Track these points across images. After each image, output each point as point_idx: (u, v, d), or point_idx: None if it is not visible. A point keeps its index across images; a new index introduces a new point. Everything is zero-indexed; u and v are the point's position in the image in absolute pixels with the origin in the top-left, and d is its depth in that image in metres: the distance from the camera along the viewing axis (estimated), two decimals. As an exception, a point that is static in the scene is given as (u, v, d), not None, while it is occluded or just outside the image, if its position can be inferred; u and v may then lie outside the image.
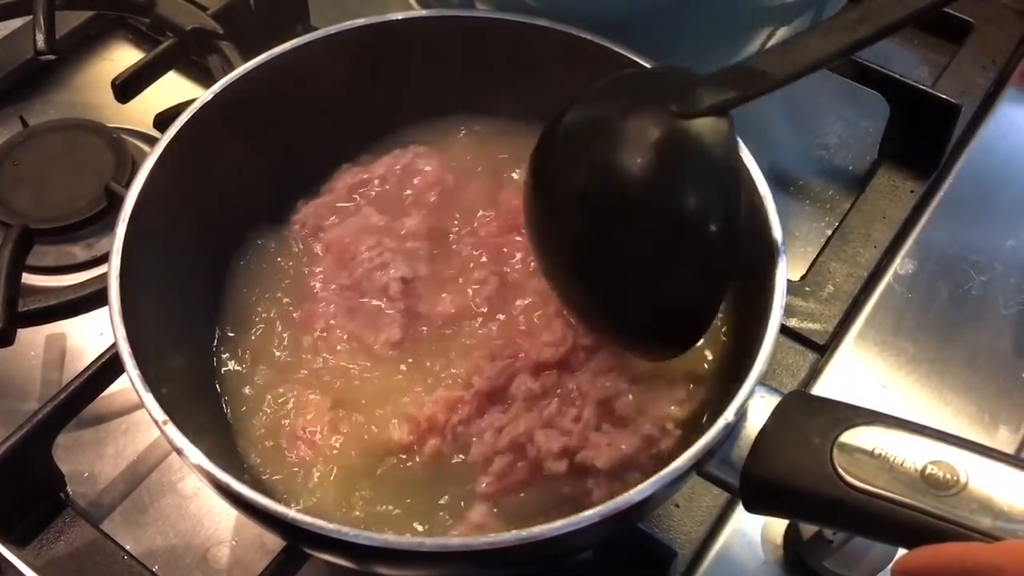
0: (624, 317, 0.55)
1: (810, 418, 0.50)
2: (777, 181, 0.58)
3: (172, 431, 0.48)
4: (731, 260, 0.52)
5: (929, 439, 0.48)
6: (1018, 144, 0.83)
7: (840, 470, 0.48)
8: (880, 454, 0.47)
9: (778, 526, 0.64)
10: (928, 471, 0.46)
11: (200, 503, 0.67)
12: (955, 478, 0.46)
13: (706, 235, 0.51)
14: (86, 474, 0.68)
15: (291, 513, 0.46)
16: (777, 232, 0.55)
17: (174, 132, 0.59)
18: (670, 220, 0.52)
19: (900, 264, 0.76)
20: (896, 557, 0.58)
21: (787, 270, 0.54)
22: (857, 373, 0.72)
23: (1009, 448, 0.67)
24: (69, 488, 0.67)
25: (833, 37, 0.50)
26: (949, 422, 0.69)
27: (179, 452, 0.48)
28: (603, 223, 0.53)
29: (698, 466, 0.49)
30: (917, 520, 0.46)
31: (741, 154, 0.55)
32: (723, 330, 0.60)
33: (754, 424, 0.51)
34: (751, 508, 0.52)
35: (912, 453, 0.47)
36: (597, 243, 0.54)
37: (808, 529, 0.62)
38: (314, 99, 0.66)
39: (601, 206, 0.53)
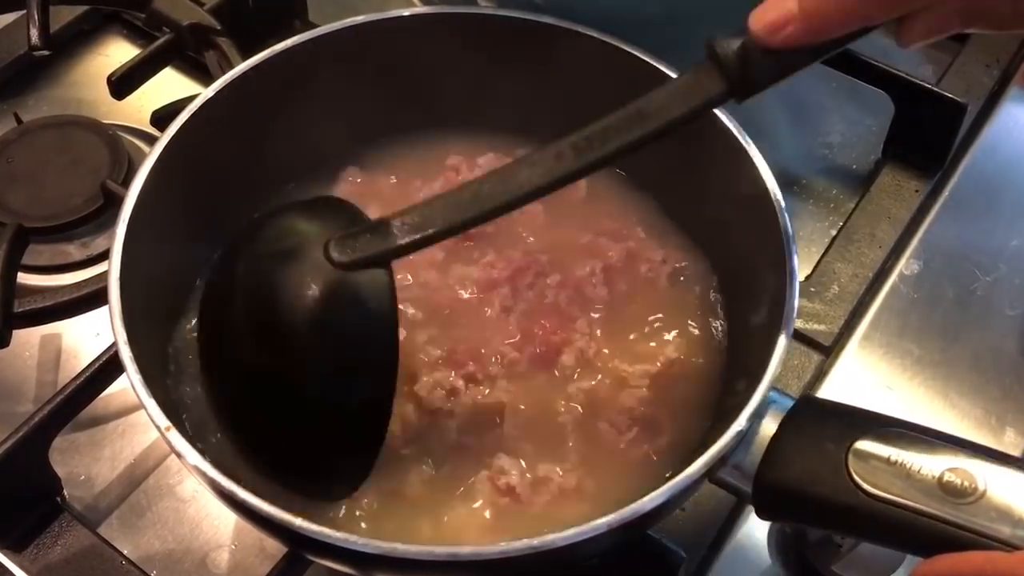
0: (281, 466, 0.54)
1: (824, 424, 0.49)
2: (780, 180, 0.57)
3: (175, 436, 0.47)
4: (384, 414, 0.52)
5: (946, 446, 0.47)
6: (1023, 143, 0.83)
7: (856, 477, 0.47)
8: (896, 461, 0.47)
9: (786, 531, 0.63)
10: (946, 479, 0.46)
11: (199, 507, 0.66)
12: (973, 486, 0.45)
13: (359, 386, 0.51)
14: (83, 477, 0.67)
15: (296, 521, 0.45)
16: (788, 232, 0.55)
17: (175, 130, 0.58)
18: (325, 371, 0.51)
19: (905, 264, 0.76)
20: (906, 563, 0.60)
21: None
22: (862, 375, 0.71)
23: (1016, 451, 0.67)
24: (65, 492, 0.66)
25: (495, 193, 0.50)
26: (955, 425, 0.68)
27: (181, 457, 0.47)
28: (262, 373, 0.52)
29: (710, 473, 0.49)
30: (935, 529, 0.45)
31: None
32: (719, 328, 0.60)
33: (767, 430, 0.50)
34: (764, 515, 0.51)
35: (929, 460, 0.46)
36: (257, 391, 0.53)
37: (816, 533, 0.61)
38: (315, 97, 0.65)
39: (260, 357, 0.52)
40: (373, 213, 0.64)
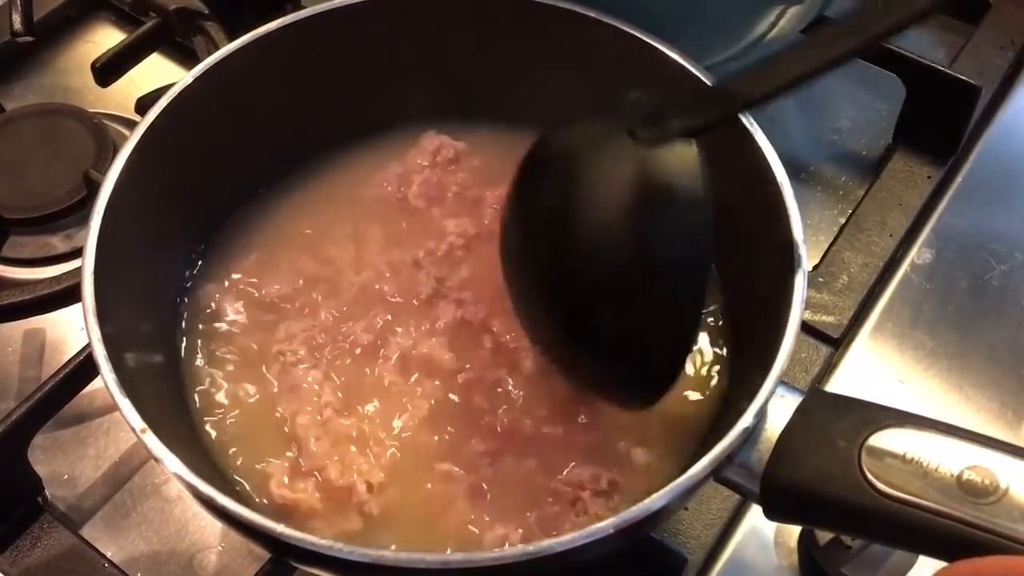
0: (598, 356, 0.52)
1: (835, 419, 0.47)
2: (787, 167, 0.55)
3: (150, 439, 0.45)
4: (700, 292, 0.50)
5: (965, 442, 0.45)
6: (1039, 127, 0.81)
7: (869, 476, 0.45)
8: (913, 459, 0.45)
9: (792, 530, 0.61)
10: (965, 477, 0.44)
11: (185, 507, 0.64)
12: (994, 484, 0.43)
13: (674, 267, 0.49)
14: (65, 477, 0.65)
15: (278, 527, 0.43)
16: (796, 222, 0.53)
17: (153, 117, 0.56)
18: (637, 254, 0.49)
19: (917, 253, 0.74)
20: (919, 564, 0.58)
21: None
22: (873, 368, 0.69)
23: (1033, 446, 0.65)
24: (47, 492, 0.64)
25: (809, 54, 0.48)
26: (970, 418, 0.66)
27: (158, 461, 0.45)
28: (572, 259, 0.51)
29: (716, 472, 0.46)
30: (954, 530, 0.43)
31: (702, 176, 0.51)
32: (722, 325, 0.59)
33: (775, 426, 0.48)
34: (772, 516, 0.49)
35: (947, 458, 0.44)
36: (568, 280, 0.52)
37: (824, 533, 0.59)
38: (303, 81, 0.63)
39: (569, 242, 0.51)
40: (365, 204, 0.63)
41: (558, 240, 0.51)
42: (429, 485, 0.54)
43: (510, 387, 0.57)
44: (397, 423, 0.56)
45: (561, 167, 0.53)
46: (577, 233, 0.50)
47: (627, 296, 0.49)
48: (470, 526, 0.53)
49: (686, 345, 0.50)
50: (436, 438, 0.56)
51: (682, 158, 0.49)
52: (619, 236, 0.49)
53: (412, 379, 0.58)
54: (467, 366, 0.58)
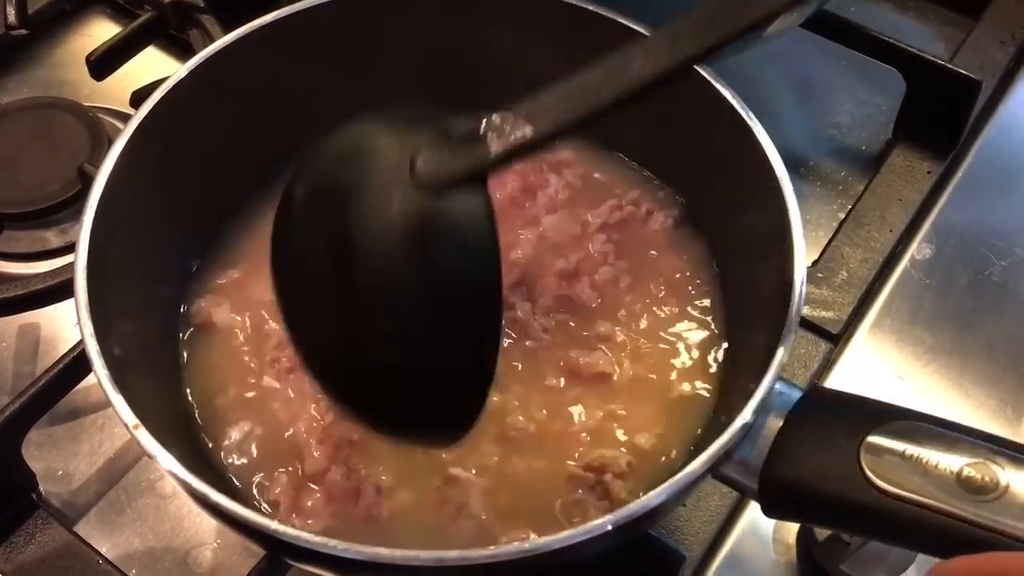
0: (384, 410, 0.48)
1: (834, 416, 0.47)
2: (786, 162, 0.55)
3: (143, 436, 0.45)
4: (492, 349, 0.45)
5: (965, 439, 0.45)
6: (1039, 122, 0.80)
7: (869, 473, 0.44)
8: (912, 456, 0.44)
9: (791, 526, 0.61)
10: (965, 474, 0.43)
11: (180, 503, 0.63)
12: (994, 482, 0.43)
13: (462, 321, 0.45)
14: (59, 473, 0.65)
15: (272, 524, 0.42)
16: (795, 218, 0.53)
17: (147, 110, 0.56)
18: (422, 310, 0.45)
19: (917, 249, 0.73)
20: (918, 562, 0.57)
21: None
22: (872, 364, 0.68)
23: (1033, 443, 0.64)
24: (41, 488, 0.63)
25: (604, 88, 0.43)
26: (970, 415, 0.66)
27: (151, 457, 0.44)
28: (352, 312, 0.46)
29: (713, 469, 0.46)
30: (954, 528, 0.43)
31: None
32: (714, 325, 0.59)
33: (773, 423, 0.48)
34: (771, 513, 0.49)
35: (947, 455, 0.44)
36: (348, 336, 0.46)
37: (823, 529, 0.59)
38: (299, 74, 0.63)
39: (345, 293, 0.46)
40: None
41: (333, 288, 0.46)
42: (437, 487, 0.54)
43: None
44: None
45: (332, 208, 0.47)
46: (353, 285, 0.45)
47: (409, 350, 0.45)
48: (484, 528, 0.52)
49: (482, 385, 0.46)
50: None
51: (467, 207, 0.44)
52: (396, 299, 0.45)
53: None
54: None
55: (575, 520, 0.52)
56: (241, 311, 0.60)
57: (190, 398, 0.57)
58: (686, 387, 0.58)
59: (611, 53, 0.43)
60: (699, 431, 0.56)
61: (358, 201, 0.46)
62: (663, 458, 0.55)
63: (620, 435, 0.56)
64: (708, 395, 0.57)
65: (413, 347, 0.45)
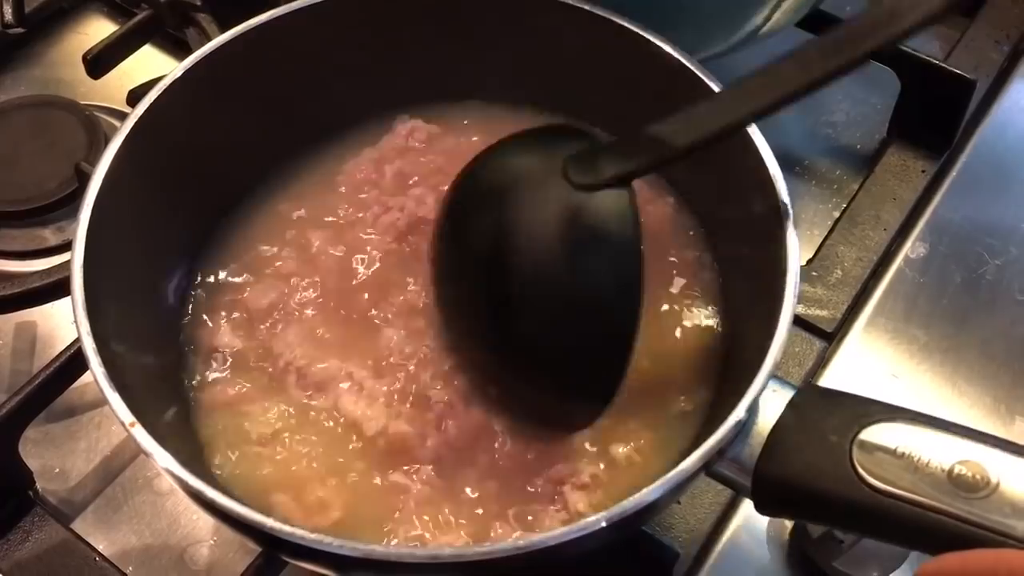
0: (527, 389, 0.54)
1: (827, 414, 0.47)
2: (781, 161, 0.55)
3: (140, 433, 0.45)
4: (631, 331, 0.50)
5: (957, 437, 0.45)
6: (1034, 122, 0.80)
7: (860, 470, 0.45)
8: (904, 453, 0.44)
9: (785, 524, 0.61)
10: (956, 471, 0.43)
11: (177, 500, 0.63)
12: (985, 479, 0.43)
13: (605, 310, 0.50)
14: (56, 470, 0.65)
15: (268, 522, 0.42)
16: (789, 219, 0.52)
17: (143, 109, 0.56)
18: (570, 296, 0.50)
19: (911, 247, 0.73)
20: (911, 559, 0.57)
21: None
22: (866, 362, 0.69)
23: (1025, 440, 0.65)
24: (38, 485, 0.64)
25: (739, 104, 0.49)
26: (963, 413, 0.66)
27: (148, 455, 0.45)
28: (505, 298, 0.52)
29: (707, 466, 0.46)
30: (945, 525, 0.43)
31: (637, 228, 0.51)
32: (716, 321, 0.59)
33: (766, 421, 0.48)
34: (763, 510, 0.49)
35: (938, 452, 0.44)
36: (500, 315, 0.53)
37: (816, 527, 0.59)
38: (296, 72, 0.63)
39: (501, 282, 0.52)
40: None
41: (490, 279, 0.53)
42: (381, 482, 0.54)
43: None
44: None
45: (495, 206, 0.53)
46: (509, 274, 0.51)
47: (558, 336, 0.51)
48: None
49: (619, 374, 0.51)
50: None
51: (614, 204, 0.50)
52: (550, 279, 0.50)
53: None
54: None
55: (534, 528, 0.52)
56: (237, 305, 0.60)
57: (190, 396, 0.57)
58: (678, 397, 0.58)
59: (747, 77, 0.49)
60: (685, 446, 0.55)
61: (519, 199, 0.52)
62: (638, 471, 0.55)
63: (587, 445, 0.55)
64: (696, 407, 0.57)
65: (567, 329, 0.51)
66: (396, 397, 0.55)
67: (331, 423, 0.55)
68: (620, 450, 0.54)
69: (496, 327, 0.53)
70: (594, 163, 0.50)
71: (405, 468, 0.53)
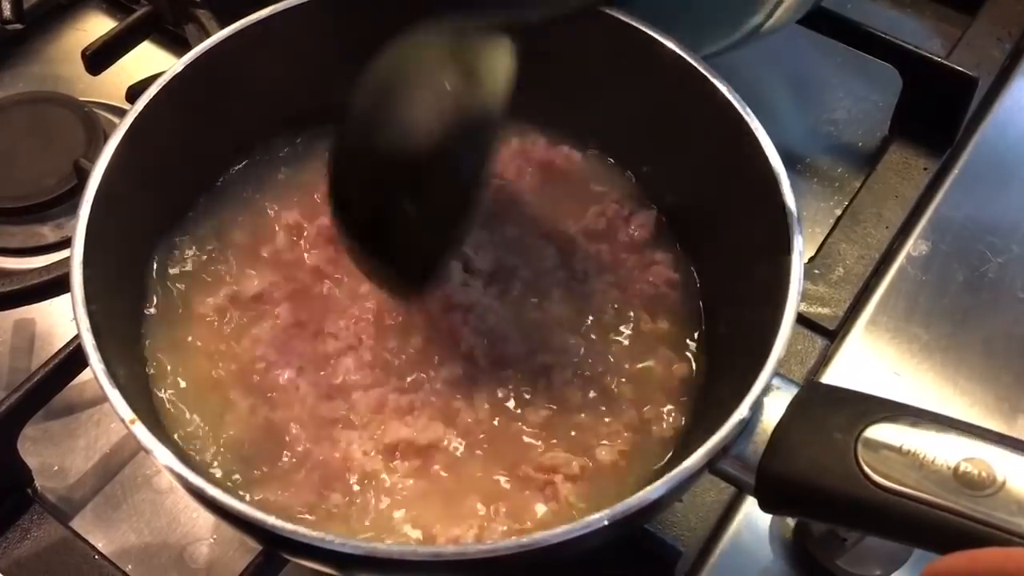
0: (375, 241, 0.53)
1: (831, 411, 0.47)
2: (783, 158, 0.55)
3: (140, 430, 0.44)
4: (476, 180, 0.51)
5: (962, 434, 0.44)
6: (1036, 119, 0.80)
7: (865, 468, 0.44)
8: (909, 451, 0.44)
9: (788, 522, 0.61)
10: (962, 469, 0.43)
11: (176, 499, 0.63)
12: (991, 477, 0.43)
13: (452, 162, 0.50)
14: (55, 468, 0.65)
15: (270, 519, 0.42)
16: (793, 215, 0.53)
17: (142, 105, 0.56)
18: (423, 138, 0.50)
19: (913, 245, 0.73)
20: (914, 557, 0.57)
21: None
22: (868, 360, 0.68)
23: (1027, 439, 0.64)
24: (37, 483, 0.63)
25: None
26: (965, 412, 0.66)
27: (148, 452, 0.44)
28: (371, 144, 0.52)
29: (711, 464, 0.46)
30: (951, 523, 0.42)
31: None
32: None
33: (770, 418, 0.47)
34: (768, 508, 0.49)
35: (944, 450, 0.44)
36: (363, 164, 0.52)
37: (819, 525, 0.59)
38: (295, 69, 0.62)
39: (368, 127, 0.52)
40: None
41: (362, 131, 0.52)
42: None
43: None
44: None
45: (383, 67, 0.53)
46: (377, 113, 0.51)
47: (405, 181, 0.50)
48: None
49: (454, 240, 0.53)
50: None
51: (495, 50, 0.50)
52: (409, 118, 0.50)
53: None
54: None
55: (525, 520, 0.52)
56: (230, 302, 0.60)
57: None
58: (665, 404, 0.58)
59: None
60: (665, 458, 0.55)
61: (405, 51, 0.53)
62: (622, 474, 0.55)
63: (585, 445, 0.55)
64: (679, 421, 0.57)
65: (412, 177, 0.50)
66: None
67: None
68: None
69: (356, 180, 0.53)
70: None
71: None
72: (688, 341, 0.59)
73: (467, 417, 0.55)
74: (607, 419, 0.55)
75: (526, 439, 0.55)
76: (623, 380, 0.57)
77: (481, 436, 0.54)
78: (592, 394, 0.56)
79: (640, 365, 0.58)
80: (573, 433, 0.55)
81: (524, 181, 0.65)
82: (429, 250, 0.52)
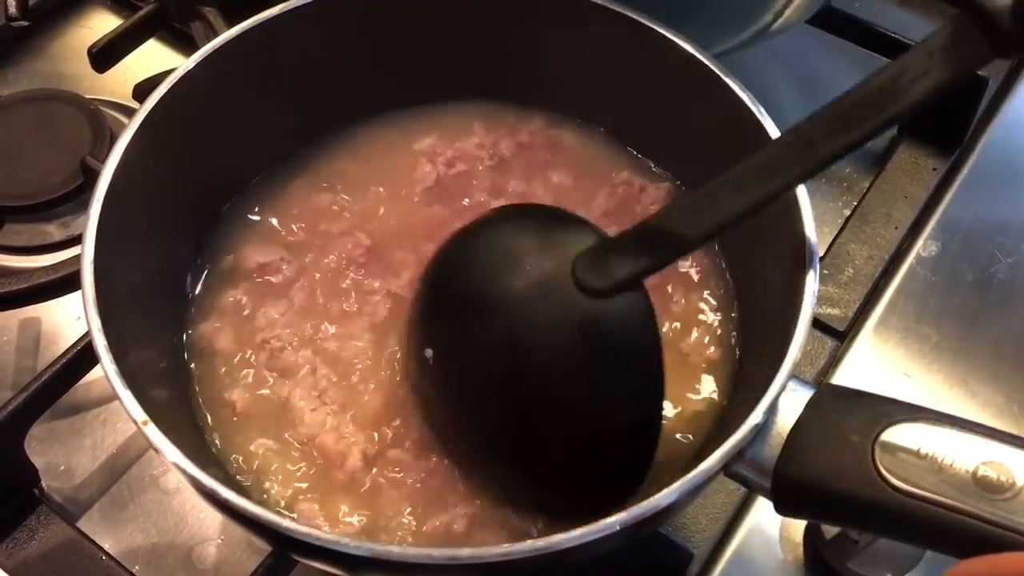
0: (542, 493, 0.52)
1: (847, 414, 0.46)
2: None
3: (153, 432, 0.44)
4: (653, 435, 0.49)
5: (980, 437, 0.44)
6: (1045, 119, 0.80)
7: (883, 471, 0.44)
8: (927, 454, 0.44)
9: (798, 524, 0.61)
10: (981, 473, 0.43)
11: (184, 499, 0.63)
12: (1010, 480, 0.42)
13: (627, 417, 0.49)
14: (62, 468, 0.64)
15: (284, 522, 0.42)
16: (808, 216, 0.52)
17: (152, 104, 0.55)
18: (588, 405, 0.49)
19: (923, 246, 0.73)
20: (925, 559, 0.57)
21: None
22: (878, 361, 0.68)
23: (1038, 441, 0.64)
24: (43, 483, 0.63)
25: (745, 191, 0.46)
26: (975, 413, 0.66)
27: (159, 452, 0.44)
28: (515, 410, 0.50)
29: (726, 467, 0.46)
30: (970, 526, 0.42)
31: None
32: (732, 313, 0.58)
33: (786, 421, 0.47)
34: (783, 511, 0.48)
35: (962, 453, 0.43)
36: (512, 430, 0.50)
37: (831, 527, 0.58)
38: (304, 68, 0.62)
39: (510, 391, 0.50)
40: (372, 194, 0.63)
41: (500, 393, 0.50)
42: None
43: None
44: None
45: (498, 306, 0.50)
46: (521, 388, 0.49)
47: (574, 445, 0.49)
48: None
49: (644, 468, 0.50)
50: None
51: (631, 307, 0.48)
52: (566, 391, 0.48)
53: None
54: None
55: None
56: (248, 298, 0.60)
57: (197, 394, 0.57)
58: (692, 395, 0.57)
59: (749, 157, 0.47)
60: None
61: (524, 303, 0.49)
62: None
63: None
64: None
65: (587, 439, 0.49)
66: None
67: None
68: None
69: (507, 441, 0.51)
70: (605, 263, 0.48)
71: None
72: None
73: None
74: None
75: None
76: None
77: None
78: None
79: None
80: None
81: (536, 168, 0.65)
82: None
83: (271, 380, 0.56)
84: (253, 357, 0.57)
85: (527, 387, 0.49)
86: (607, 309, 0.48)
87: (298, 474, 0.53)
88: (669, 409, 0.56)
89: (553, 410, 0.49)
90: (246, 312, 0.59)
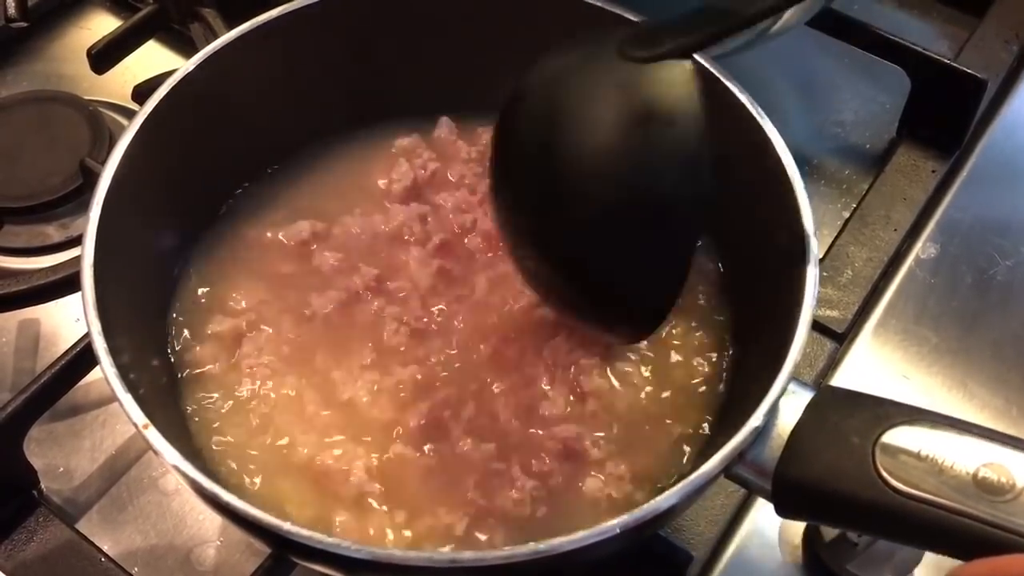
0: (590, 287, 0.50)
1: (847, 416, 0.46)
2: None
3: (153, 435, 0.44)
4: (699, 217, 0.49)
5: (981, 439, 0.44)
6: (1044, 121, 0.80)
7: (883, 473, 0.44)
8: (927, 456, 0.44)
9: (797, 526, 0.61)
10: (981, 475, 0.43)
11: (183, 500, 0.63)
12: (1011, 482, 0.42)
13: (670, 195, 0.47)
14: (61, 469, 0.64)
15: (285, 525, 0.42)
16: (807, 218, 0.52)
17: (152, 106, 0.55)
18: (632, 182, 0.47)
19: (922, 248, 0.73)
20: (924, 561, 0.57)
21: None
22: (877, 363, 0.68)
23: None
24: (42, 484, 0.63)
25: None
26: (974, 415, 0.66)
27: (158, 454, 0.44)
28: (564, 192, 0.48)
29: (727, 469, 0.46)
30: (971, 528, 0.42)
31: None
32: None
33: (786, 423, 0.47)
34: (784, 513, 0.48)
35: (962, 455, 0.43)
36: (560, 213, 0.49)
37: (830, 529, 0.58)
38: (303, 70, 0.62)
39: (560, 174, 0.48)
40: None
41: (548, 172, 0.49)
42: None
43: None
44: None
45: (546, 95, 0.49)
46: (568, 163, 0.48)
47: (621, 227, 0.47)
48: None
49: (681, 278, 0.49)
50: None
51: (677, 76, 0.46)
52: (612, 163, 0.47)
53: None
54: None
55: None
56: (245, 300, 0.60)
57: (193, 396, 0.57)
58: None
59: None
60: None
61: (576, 83, 0.48)
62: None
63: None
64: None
65: (630, 227, 0.47)
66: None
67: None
68: None
69: (555, 225, 0.49)
70: (653, 38, 0.47)
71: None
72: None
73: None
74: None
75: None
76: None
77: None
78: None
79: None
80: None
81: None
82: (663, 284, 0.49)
83: (269, 383, 0.56)
84: (251, 357, 0.57)
85: (577, 164, 0.48)
86: (652, 74, 0.46)
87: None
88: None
89: (602, 186, 0.47)
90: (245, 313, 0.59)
